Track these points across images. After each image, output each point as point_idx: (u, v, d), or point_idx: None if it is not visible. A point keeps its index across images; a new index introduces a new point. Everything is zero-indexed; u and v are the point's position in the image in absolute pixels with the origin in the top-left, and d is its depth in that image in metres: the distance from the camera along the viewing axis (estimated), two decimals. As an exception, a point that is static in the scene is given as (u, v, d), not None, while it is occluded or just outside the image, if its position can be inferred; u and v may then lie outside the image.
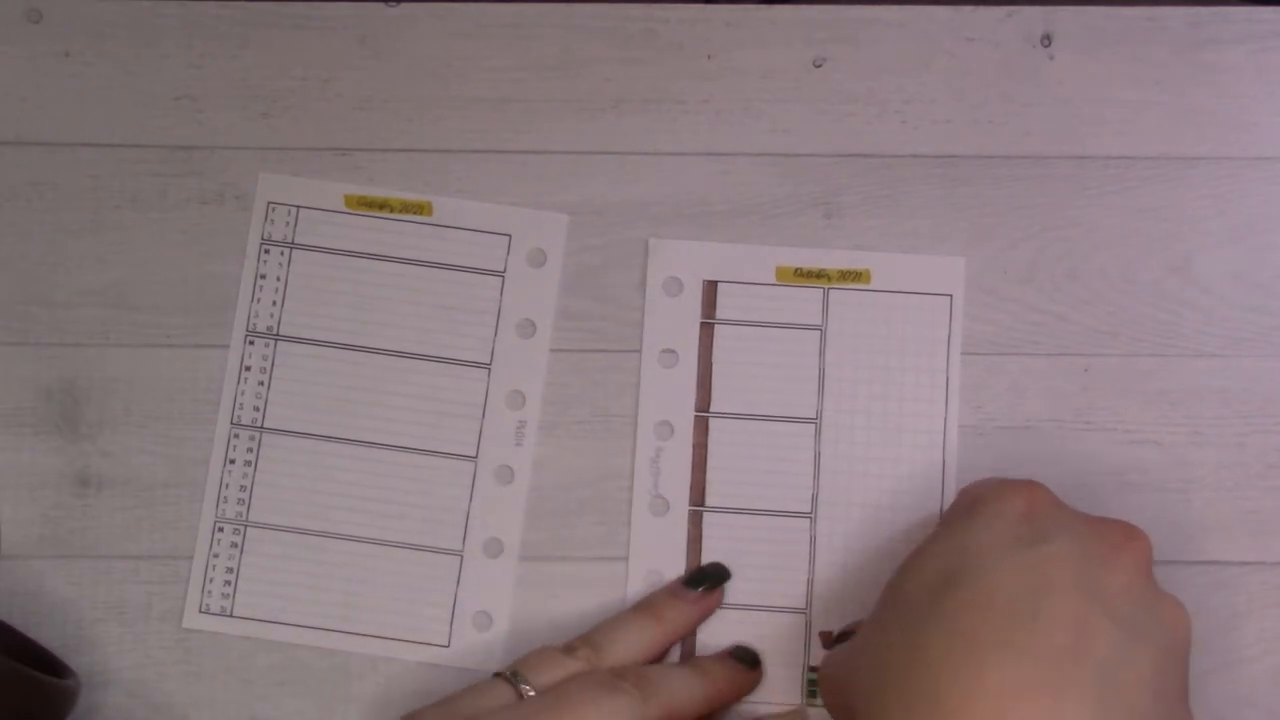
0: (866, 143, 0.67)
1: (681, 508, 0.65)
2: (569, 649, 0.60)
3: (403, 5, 0.68)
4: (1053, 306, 0.66)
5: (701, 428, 0.66)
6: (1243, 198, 0.67)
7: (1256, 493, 0.65)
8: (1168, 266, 0.66)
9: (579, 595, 0.65)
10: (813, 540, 0.65)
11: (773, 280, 0.66)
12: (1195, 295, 0.66)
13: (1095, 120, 0.67)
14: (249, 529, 0.65)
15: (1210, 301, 0.66)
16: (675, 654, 0.64)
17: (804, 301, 0.66)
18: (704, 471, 0.65)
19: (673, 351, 0.66)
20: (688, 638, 0.64)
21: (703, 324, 0.66)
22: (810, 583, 0.65)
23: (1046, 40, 0.67)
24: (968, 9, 0.68)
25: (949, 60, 0.68)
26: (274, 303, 0.66)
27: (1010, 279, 0.66)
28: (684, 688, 0.60)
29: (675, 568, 0.65)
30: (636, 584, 0.65)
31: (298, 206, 0.67)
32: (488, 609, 0.65)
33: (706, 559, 0.65)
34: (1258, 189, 0.67)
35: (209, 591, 0.65)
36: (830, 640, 0.62)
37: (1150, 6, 0.68)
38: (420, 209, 0.67)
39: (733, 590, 0.65)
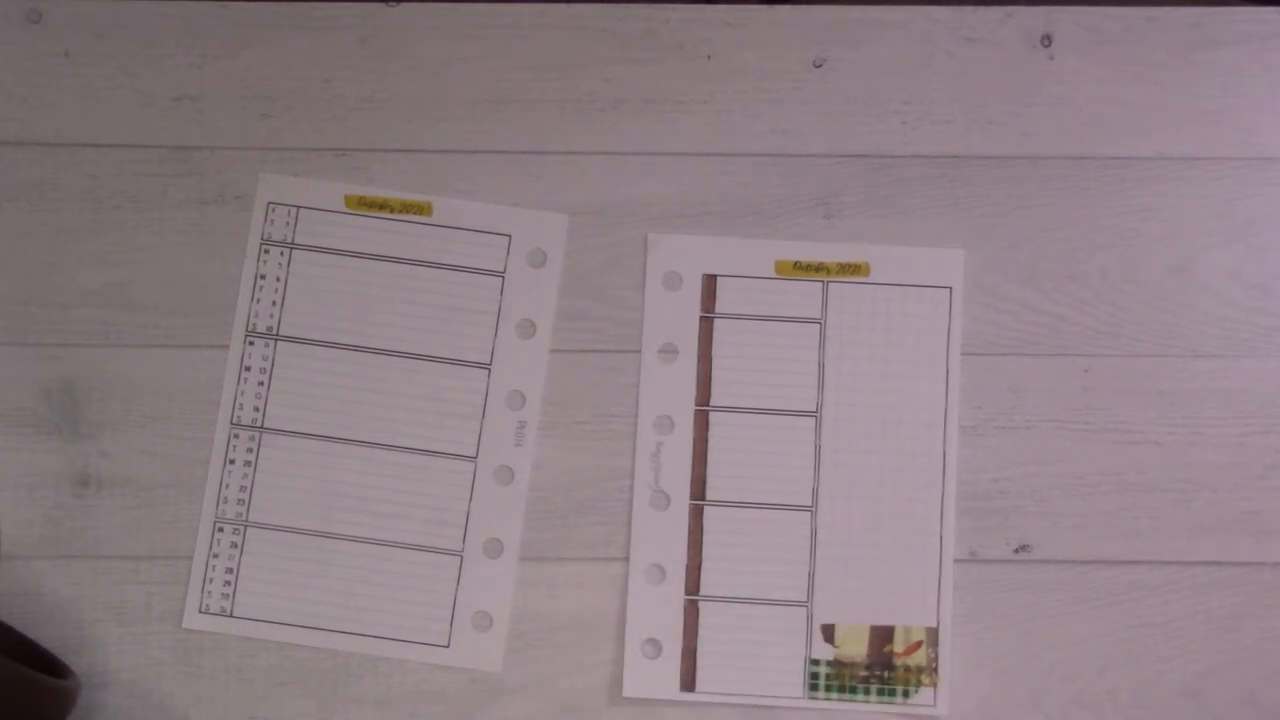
0: (866, 143, 0.67)
1: (682, 502, 0.65)
2: None
3: (403, 5, 0.68)
4: (1053, 306, 0.66)
5: (702, 422, 0.66)
6: (1243, 198, 0.67)
7: (1256, 493, 0.65)
8: (1168, 266, 0.67)
9: (579, 595, 0.65)
10: (813, 533, 0.65)
11: (772, 274, 0.66)
12: (1195, 295, 0.66)
13: (1095, 120, 0.67)
14: (249, 529, 0.65)
15: (1210, 301, 0.66)
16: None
17: (803, 295, 0.66)
18: (704, 466, 0.65)
19: (672, 346, 0.66)
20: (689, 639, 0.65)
21: (702, 318, 0.66)
22: (811, 575, 0.65)
23: (1046, 40, 0.68)
24: (968, 9, 0.68)
25: (949, 60, 0.68)
26: (274, 303, 0.66)
27: (1010, 279, 0.66)
28: None
29: (676, 562, 0.65)
30: (638, 578, 0.65)
31: (298, 207, 0.67)
32: (488, 609, 0.65)
33: (708, 552, 0.65)
34: (1258, 189, 0.67)
35: (209, 592, 0.65)
36: None
37: (1150, 7, 0.68)
38: (420, 209, 0.67)
39: (734, 584, 0.65)
